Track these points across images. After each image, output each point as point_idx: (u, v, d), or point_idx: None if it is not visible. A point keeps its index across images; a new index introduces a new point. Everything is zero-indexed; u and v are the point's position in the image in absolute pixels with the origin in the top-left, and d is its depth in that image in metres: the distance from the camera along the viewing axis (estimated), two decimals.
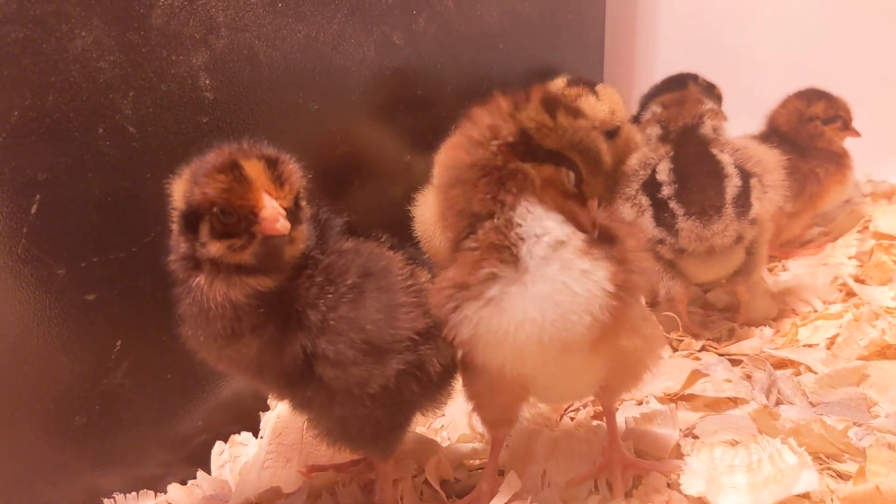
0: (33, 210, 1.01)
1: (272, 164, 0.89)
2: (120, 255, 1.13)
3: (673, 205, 1.53)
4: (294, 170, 0.91)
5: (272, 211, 0.85)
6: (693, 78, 1.96)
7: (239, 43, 1.25)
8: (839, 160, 1.95)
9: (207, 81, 1.21)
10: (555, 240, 0.87)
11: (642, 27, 2.67)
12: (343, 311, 0.92)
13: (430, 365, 0.99)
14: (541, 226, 0.87)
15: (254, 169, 0.87)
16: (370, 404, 0.96)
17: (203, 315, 0.90)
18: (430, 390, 1.04)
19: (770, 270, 1.92)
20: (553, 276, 0.85)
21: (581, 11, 2.41)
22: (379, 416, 0.98)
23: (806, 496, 1.02)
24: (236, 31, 1.24)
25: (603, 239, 0.90)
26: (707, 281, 1.72)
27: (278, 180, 0.88)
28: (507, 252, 0.87)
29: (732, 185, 1.51)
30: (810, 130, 1.95)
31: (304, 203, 0.94)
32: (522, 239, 0.87)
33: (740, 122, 1.92)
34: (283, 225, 0.85)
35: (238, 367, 0.96)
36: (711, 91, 1.96)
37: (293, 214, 0.90)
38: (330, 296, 0.93)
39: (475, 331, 0.88)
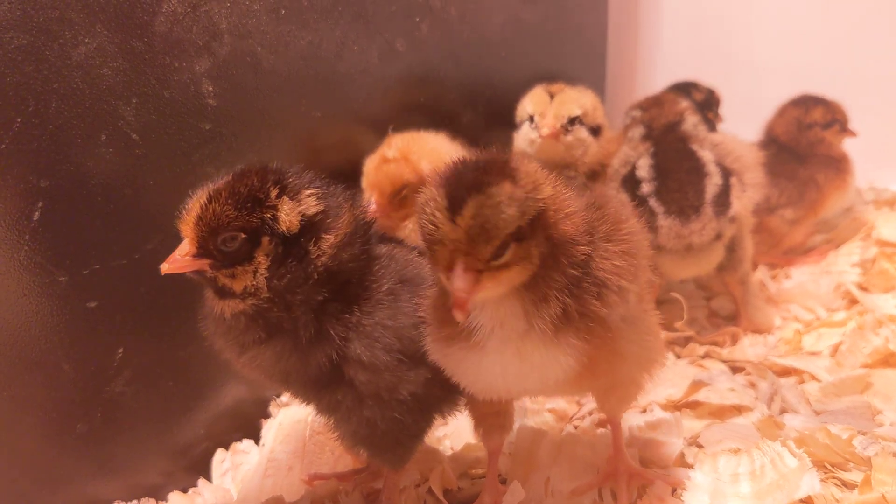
0: (35, 217, 1.01)
1: (209, 199, 0.88)
2: (122, 263, 1.13)
3: (652, 202, 1.52)
4: (222, 211, 0.87)
5: (173, 252, 0.89)
6: (693, 86, 1.96)
7: (242, 50, 1.25)
8: (839, 165, 1.94)
9: (210, 88, 1.21)
10: (511, 332, 0.81)
11: (644, 34, 2.68)
12: (379, 317, 0.93)
13: None
14: (484, 318, 0.81)
15: (193, 204, 0.89)
16: (399, 407, 0.96)
17: (214, 322, 0.95)
18: (453, 393, 1.04)
19: (773, 278, 1.91)
20: (508, 357, 0.82)
21: (583, 18, 2.41)
22: (406, 419, 0.98)
23: (809, 502, 1.01)
24: (239, 38, 1.24)
25: (583, 269, 0.81)
26: (685, 278, 1.72)
27: (198, 220, 0.88)
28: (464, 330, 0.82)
29: (713, 183, 1.51)
30: (810, 138, 1.94)
31: (246, 238, 0.88)
32: (472, 328, 0.82)
33: (742, 127, 1.92)
34: (162, 267, 0.88)
35: (260, 372, 0.97)
36: (711, 95, 1.96)
37: (218, 253, 0.88)
38: (366, 301, 0.93)
39: (438, 362, 0.90)
